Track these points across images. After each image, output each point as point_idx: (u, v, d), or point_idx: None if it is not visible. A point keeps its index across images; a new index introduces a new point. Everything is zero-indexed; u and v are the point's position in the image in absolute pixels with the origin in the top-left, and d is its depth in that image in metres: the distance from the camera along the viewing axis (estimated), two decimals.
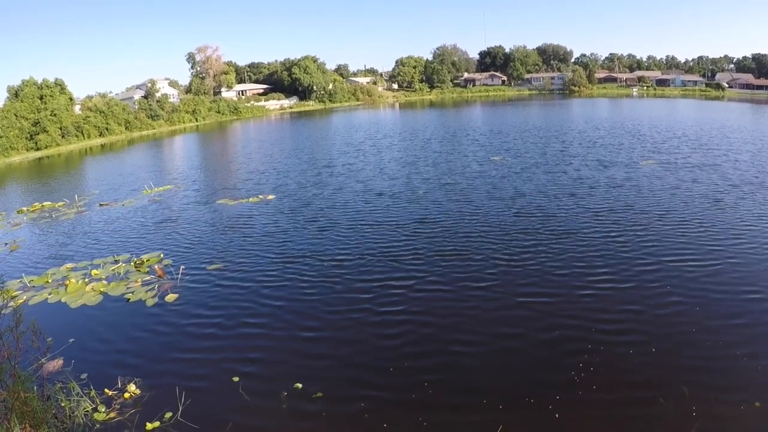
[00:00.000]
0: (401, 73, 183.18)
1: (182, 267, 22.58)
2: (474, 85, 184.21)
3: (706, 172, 36.15)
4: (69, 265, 24.34)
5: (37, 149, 77.87)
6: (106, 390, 13.67)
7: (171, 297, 19.83)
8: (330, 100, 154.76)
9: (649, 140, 53.53)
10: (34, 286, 21.94)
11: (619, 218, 26.19)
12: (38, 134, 79.58)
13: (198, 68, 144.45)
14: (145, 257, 24.66)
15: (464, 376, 13.71)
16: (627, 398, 12.36)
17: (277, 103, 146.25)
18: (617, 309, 16.64)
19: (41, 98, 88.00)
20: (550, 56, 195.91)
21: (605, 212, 27.34)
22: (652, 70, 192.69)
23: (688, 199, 29.27)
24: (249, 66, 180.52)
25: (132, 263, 23.94)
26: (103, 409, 12.88)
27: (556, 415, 11.82)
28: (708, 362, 13.63)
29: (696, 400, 12.02)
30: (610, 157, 43.75)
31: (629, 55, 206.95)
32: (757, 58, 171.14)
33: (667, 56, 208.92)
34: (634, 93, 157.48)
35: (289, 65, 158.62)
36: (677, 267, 19.72)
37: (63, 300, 20.32)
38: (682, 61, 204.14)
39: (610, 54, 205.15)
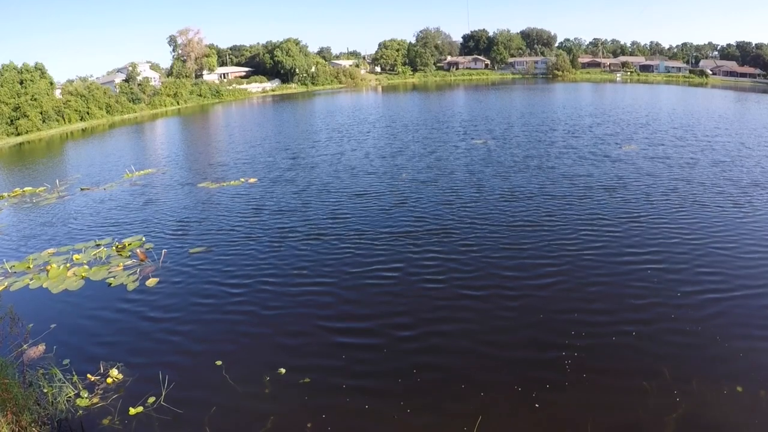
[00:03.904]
0: (384, 56, 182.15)
1: (164, 251, 22.52)
2: (457, 69, 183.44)
3: (697, 168, 36.29)
4: (50, 250, 24.16)
5: (18, 134, 76.67)
6: (89, 375, 13.68)
7: (153, 281, 19.80)
8: (312, 83, 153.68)
9: (644, 129, 51.97)
10: (15, 272, 21.76)
11: (601, 207, 26.46)
12: (18, 119, 78.39)
13: (179, 51, 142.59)
14: (126, 241, 24.54)
15: (447, 365, 13.82)
16: (609, 385, 12.53)
17: (259, 86, 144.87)
18: (598, 297, 16.82)
19: (21, 83, 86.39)
20: (534, 40, 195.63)
21: (588, 200, 27.61)
22: (636, 55, 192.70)
23: (672, 186, 29.61)
24: (231, 49, 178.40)
25: (114, 247, 23.83)
26: (85, 395, 12.90)
27: (536, 405, 11.94)
28: (690, 348, 13.87)
29: (679, 386, 12.24)
30: (603, 149, 42.93)
31: (613, 41, 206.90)
32: (741, 46, 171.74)
33: (651, 42, 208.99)
34: (618, 78, 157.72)
35: (271, 48, 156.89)
36: (657, 253, 20.03)
37: (44, 285, 20.20)
38: (666, 47, 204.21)
39: (594, 39, 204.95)
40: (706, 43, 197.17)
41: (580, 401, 12.02)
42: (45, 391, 12.74)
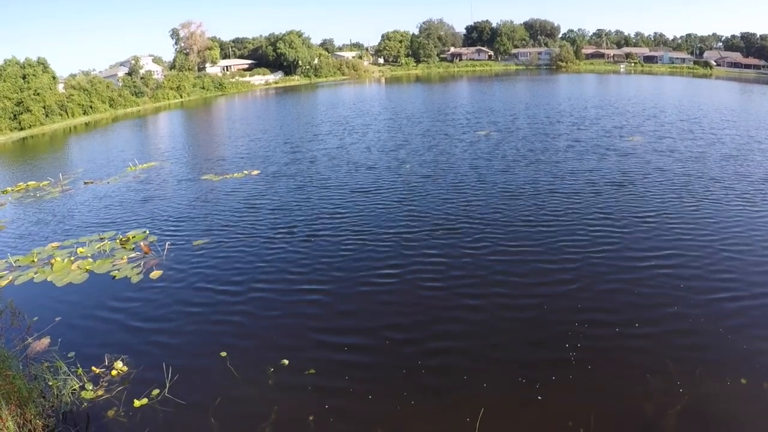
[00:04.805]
0: (387, 48, 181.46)
1: (167, 243, 22.53)
2: (460, 60, 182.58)
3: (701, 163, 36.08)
4: (54, 243, 24.19)
5: (21, 129, 76.71)
6: (93, 368, 13.71)
7: (156, 273, 19.83)
8: (315, 75, 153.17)
9: (650, 122, 50.93)
10: (20, 266, 21.80)
11: (608, 203, 26.41)
12: (22, 114, 78.40)
13: (182, 44, 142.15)
14: (130, 234, 24.57)
15: (450, 356, 13.82)
16: (613, 378, 12.50)
17: (262, 79, 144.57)
18: (602, 292, 16.73)
19: (24, 78, 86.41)
20: (537, 31, 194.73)
21: (595, 196, 27.56)
22: (640, 46, 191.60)
23: (682, 182, 29.50)
24: (233, 41, 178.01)
25: (117, 240, 23.87)
26: (90, 387, 12.93)
27: (540, 397, 11.94)
28: (693, 339, 13.83)
29: (682, 377, 12.21)
30: (609, 141, 42.93)
31: (617, 32, 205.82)
32: (745, 37, 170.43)
33: (655, 33, 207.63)
34: (622, 69, 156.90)
35: (273, 40, 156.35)
36: (662, 245, 20.03)
37: (49, 279, 20.24)
38: (670, 38, 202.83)
39: (598, 30, 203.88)
40: (711, 34, 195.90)
41: (583, 394, 12.00)
42: (50, 383, 12.76)
